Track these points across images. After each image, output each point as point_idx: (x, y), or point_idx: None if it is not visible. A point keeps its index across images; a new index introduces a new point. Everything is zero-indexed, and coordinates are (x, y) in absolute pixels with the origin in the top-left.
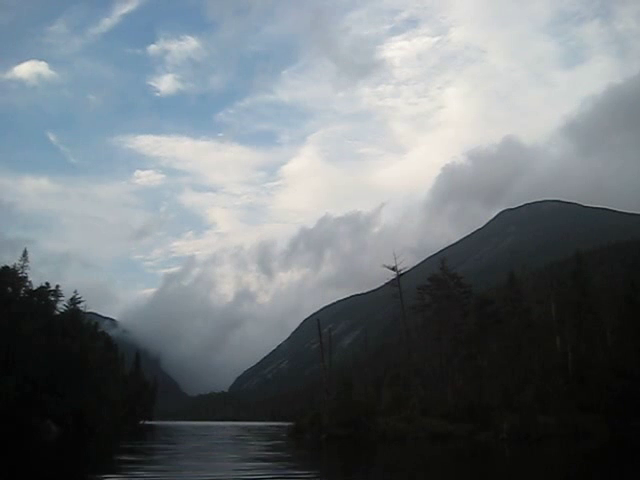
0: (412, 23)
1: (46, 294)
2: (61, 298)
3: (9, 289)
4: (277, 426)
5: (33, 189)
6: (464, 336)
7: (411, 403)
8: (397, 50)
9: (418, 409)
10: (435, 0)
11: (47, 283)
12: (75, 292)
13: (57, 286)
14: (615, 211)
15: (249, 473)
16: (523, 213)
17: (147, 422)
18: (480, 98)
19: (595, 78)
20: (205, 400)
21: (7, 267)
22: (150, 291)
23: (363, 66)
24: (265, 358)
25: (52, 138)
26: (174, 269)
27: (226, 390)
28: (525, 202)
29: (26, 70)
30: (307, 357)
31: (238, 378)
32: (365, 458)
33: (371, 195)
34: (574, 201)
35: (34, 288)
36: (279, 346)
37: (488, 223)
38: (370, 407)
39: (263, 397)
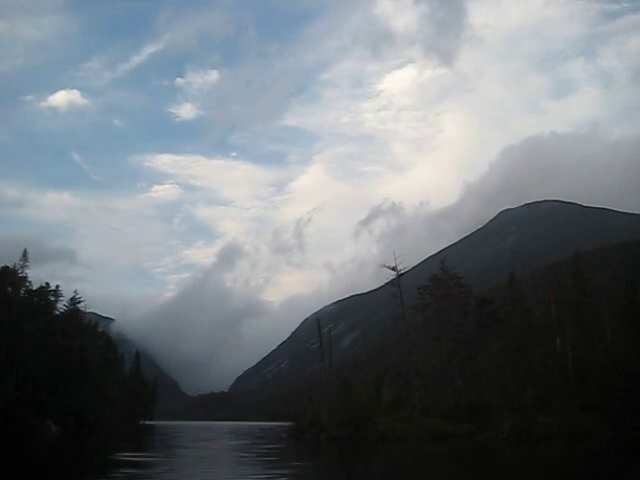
0: (411, 59)
1: (46, 294)
2: (61, 298)
3: (9, 289)
4: (277, 426)
5: (55, 202)
6: (464, 336)
7: (411, 403)
8: (397, 82)
9: (418, 409)
10: (432, 41)
11: (47, 283)
12: (75, 292)
13: (57, 286)
14: (615, 211)
15: None
16: (523, 213)
17: (147, 422)
18: (475, 123)
19: (582, 107)
20: (205, 400)
21: (7, 267)
22: (154, 295)
23: (366, 95)
24: (265, 358)
25: (76, 158)
26: (182, 275)
27: (226, 390)
28: (525, 202)
29: (60, 98)
30: (307, 357)
31: (238, 378)
32: (365, 458)
33: (371, 209)
34: (574, 201)
35: (34, 288)
36: (279, 346)
37: (488, 223)
38: (370, 407)
39: (263, 397)
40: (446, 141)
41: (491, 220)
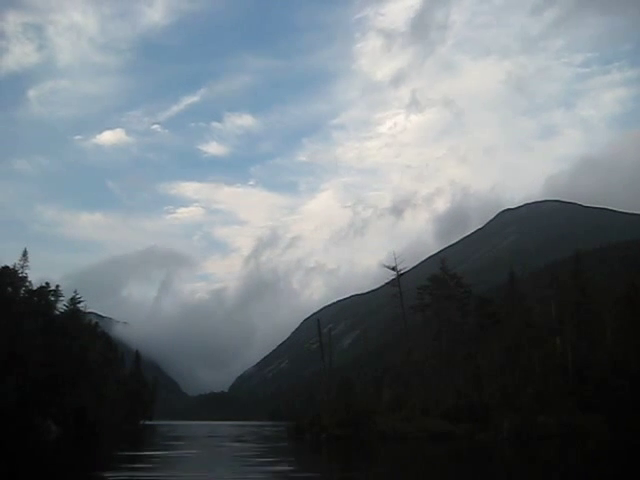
0: (410, 106)
1: (46, 294)
2: (61, 298)
3: (9, 289)
4: (278, 426)
5: (88, 222)
6: (464, 336)
7: (411, 403)
8: (398, 125)
9: (418, 409)
10: (428, 87)
11: (47, 283)
12: (75, 292)
13: (57, 286)
14: (615, 211)
15: None
16: (523, 213)
17: (147, 422)
18: (468, 158)
19: (565, 147)
20: (205, 400)
21: (7, 267)
22: (159, 298)
23: (370, 136)
24: (265, 358)
25: (110, 185)
26: (194, 284)
27: (226, 390)
28: (525, 202)
29: (104, 137)
30: (307, 357)
31: (238, 378)
32: (365, 458)
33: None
34: (574, 201)
35: (34, 288)
36: (279, 346)
37: (488, 223)
38: (370, 407)
39: (263, 397)
40: (442, 173)
41: (491, 220)
